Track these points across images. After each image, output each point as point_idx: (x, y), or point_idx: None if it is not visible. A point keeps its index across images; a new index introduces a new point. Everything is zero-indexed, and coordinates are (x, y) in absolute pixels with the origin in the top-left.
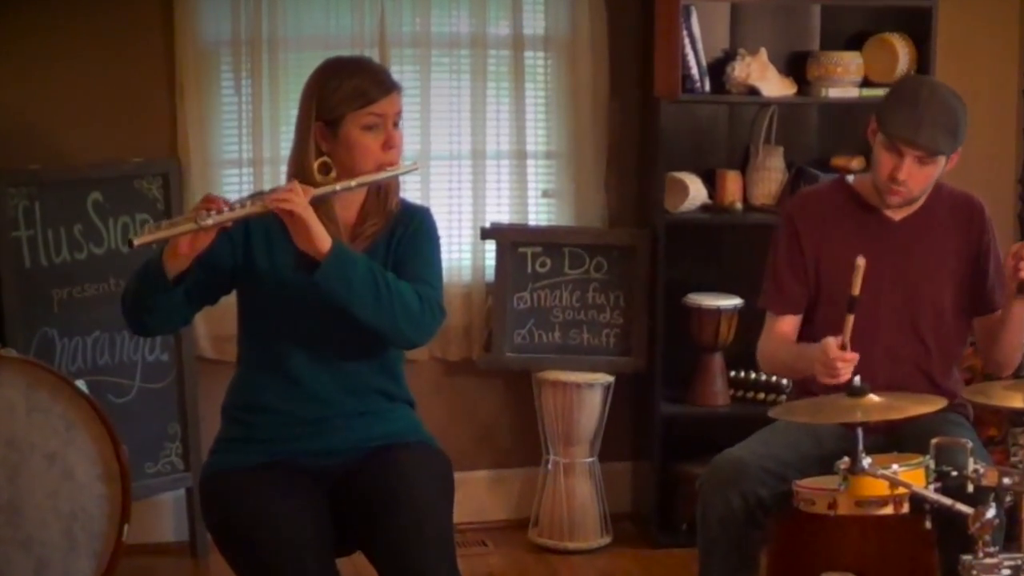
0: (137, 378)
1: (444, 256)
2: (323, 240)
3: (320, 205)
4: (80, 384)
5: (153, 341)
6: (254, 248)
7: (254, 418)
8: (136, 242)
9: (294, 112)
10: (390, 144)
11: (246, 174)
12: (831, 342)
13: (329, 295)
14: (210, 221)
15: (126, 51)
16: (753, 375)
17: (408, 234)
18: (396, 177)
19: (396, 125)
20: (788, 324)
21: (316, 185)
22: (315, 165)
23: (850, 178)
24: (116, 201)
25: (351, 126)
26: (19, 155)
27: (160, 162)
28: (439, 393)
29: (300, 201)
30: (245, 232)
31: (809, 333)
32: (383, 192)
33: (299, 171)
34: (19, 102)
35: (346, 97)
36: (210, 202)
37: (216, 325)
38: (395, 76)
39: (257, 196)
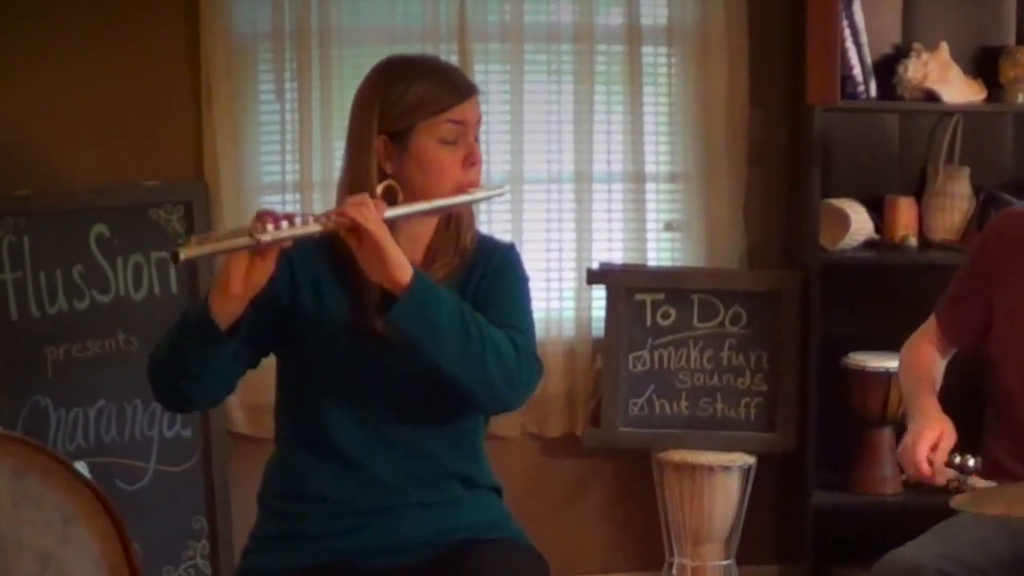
0: (152, 459)
1: (540, 305)
2: (402, 268)
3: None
4: (81, 467)
5: (172, 413)
6: (300, 293)
7: (299, 509)
8: (182, 256)
9: None
10: (472, 160)
11: (290, 201)
12: (923, 443)
13: (406, 339)
14: (268, 237)
15: (139, 47)
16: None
17: (488, 275)
18: (479, 202)
19: (476, 139)
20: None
21: None
22: (379, 190)
23: None
24: (126, 236)
25: (424, 138)
26: (4, 178)
27: (181, 187)
28: (534, 478)
29: (373, 216)
30: (290, 271)
31: (994, 384)
32: (453, 225)
33: None
34: (4, 112)
35: (415, 103)
36: (265, 216)
37: (251, 393)
38: (479, 78)
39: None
